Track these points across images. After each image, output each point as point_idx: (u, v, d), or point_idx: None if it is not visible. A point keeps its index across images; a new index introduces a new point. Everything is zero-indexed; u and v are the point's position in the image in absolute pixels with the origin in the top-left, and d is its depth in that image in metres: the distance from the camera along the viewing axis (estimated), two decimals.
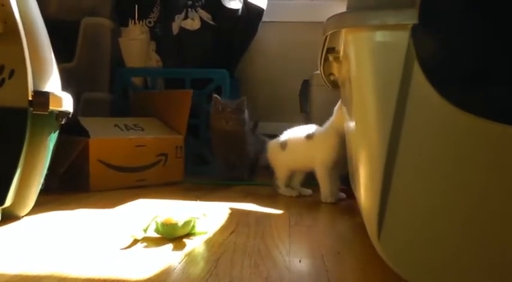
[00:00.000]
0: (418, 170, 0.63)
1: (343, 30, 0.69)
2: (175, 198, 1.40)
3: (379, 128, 0.63)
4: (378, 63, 0.63)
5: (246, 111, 1.78)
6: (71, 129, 1.42)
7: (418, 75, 0.61)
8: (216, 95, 1.77)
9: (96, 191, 1.51)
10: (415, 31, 0.60)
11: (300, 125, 2.27)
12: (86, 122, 1.57)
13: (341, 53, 0.82)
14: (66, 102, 1.09)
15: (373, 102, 0.64)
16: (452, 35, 0.62)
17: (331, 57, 0.86)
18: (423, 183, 0.63)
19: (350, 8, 0.71)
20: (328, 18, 0.70)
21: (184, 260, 0.79)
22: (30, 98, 0.99)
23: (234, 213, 1.21)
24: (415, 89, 0.61)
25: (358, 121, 0.69)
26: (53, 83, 1.07)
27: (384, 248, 0.66)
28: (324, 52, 0.85)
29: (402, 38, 0.61)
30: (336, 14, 0.68)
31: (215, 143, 1.83)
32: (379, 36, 0.62)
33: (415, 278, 0.65)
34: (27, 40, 1.00)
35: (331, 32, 0.70)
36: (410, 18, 0.60)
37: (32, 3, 1.05)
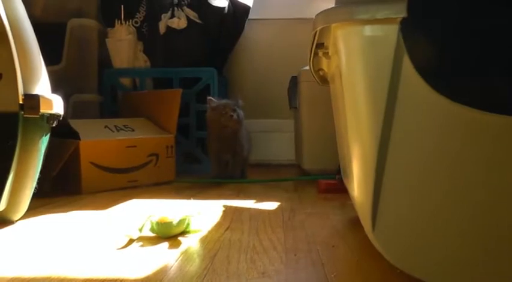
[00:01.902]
0: (410, 162, 0.64)
1: (332, 25, 0.69)
2: (168, 198, 1.41)
3: (370, 122, 0.64)
4: (368, 58, 0.64)
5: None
6: (61, 132, 1.41)
7: (408, 69, 0.61)
8: (210, 97, 1.77)
9: (88, 192, 1.51)
10: (404, 25, 0.61)
11: (290, 121, 2.29)
12: (76, 124, 1.57)
13: (330, 49, 0.83)
14: (57, 105, 1.09)
15: (364, 97, 0.65)
16: (442, 27, 0.62)
17: (320, 53, 0.87)
18: (415, 174, 0.64)
19: (339, 3, 0.72)
20: (318, 14, 0.71)
21: (180, 258, 0.79)
22: (20, 102, 0.99)
23: (227, 210, 1.21)
24: (405, 82, 0.62)
25: (350, 115, 0.69)
26: (42, 86, 1.07)
27: (379, 240, 0.66)
28: (314, 48, 0.85)
29: (391, 31, 0.61)
30: (325, 9, 0.69)
31: (211, 142, 1.83)
32: (368, 30, 0.63)
33: (410, 268, 0.65)
34: (15, 43, 0.99)
35: (320, 27, 0.71)
36: (399, 11, 0.60)
37: (19, 6, 1.05)
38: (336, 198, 1.40)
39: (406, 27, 0.61)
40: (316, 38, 0.79)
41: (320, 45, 0.85)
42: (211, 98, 1.75)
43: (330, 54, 0.85)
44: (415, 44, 0.61)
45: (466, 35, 0.62)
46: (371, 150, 0.64)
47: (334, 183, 1.52)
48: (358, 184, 0.70)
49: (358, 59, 0.65)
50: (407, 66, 0.61)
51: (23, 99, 0.99)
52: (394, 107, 0.62)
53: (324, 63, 0.97)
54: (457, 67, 0.62)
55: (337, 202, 1.35)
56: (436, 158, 0.63)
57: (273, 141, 2.41)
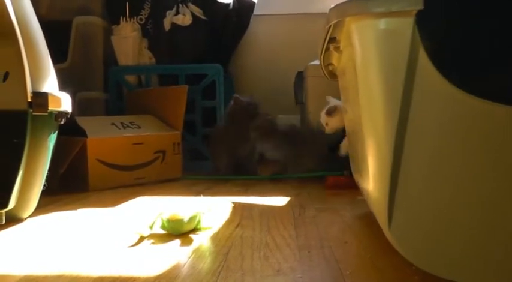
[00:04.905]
0: (427, 156, 0.63)
1: (346, 19, 0.68)
2: (176, 195, 1.40)
3: (386, 116, 0.63)
4: (383, 51, 0.63)
5: None
6: (68, 130, 1.41)
7: (423, 62, 0.60)
8: (236, 95, 1.77)
9: (96, 190, 1.50)
10: (419, 17, 0.60)
11: (296, 116, 2.29)
12: (82, 121, 1.56)
13: (342, 43, 0.82)
14: (65, 102, 1.09)
15: (380, 90, 0.64)
16: (458, 20, 0.61)
17: (331, 47, 0.86)
18: (432, 169, 0.63)
19: None
20: (332, 8, 0.70)
21: (193, 255, 0.79)
22: (29, 100, 0.98)
23: (236, 207, 1.21)
24: (421, 75, 0.61)
25: (365, 110, 0.69)
26: (50, 84, 1.07)
27: (395, 236, 0.66)
28: (326, 42, 0.84)
29: (407, 24, 0.60)
30: (339, 3, 0.68)
31: (224, 140, 1.82)
32: (384, 23, 0.62)
33: (427, 265, 0.64)
34: (23, 41, 0.99)
35: (335, 21, 0.70)
36: (415, 4, 0.59)
37: (27, 4, 1.04)
38: (344, 194, 1.40)
39: (422, 19, 0.60)
40: (330, 32, 0.79)
41: (331, 40, 0.84)
42: (238, 96, 1.76)
43: (341, 48, 0.84)
44: (430, 36, 0.61)
45: (482, 27, 0.61)
46: (387, 145, 0.63)
47: (341, 178, 1.52)
48: (373, 179, 0.69)
49: (373, 53, 0.64)
50: (423, 59, 0.61)
51: (32, 97, 0.99)
52: (410, 100, 0.62)
53: (335, 58, 0.96)
54: (473, 60, 0.61)
55: (346, 198, 1.34)
56: (454, 151, 0.62)
57: None
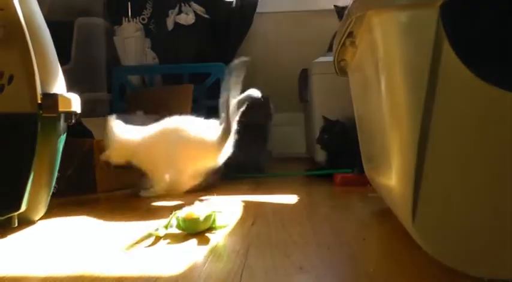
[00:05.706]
0: (452, 149, 0.62)
1: (368, 13, 0.67)
2: (186, 193, 1.39)
3: (410, 110, 0.62)
4: (407, 44, 0.62)
5: None
6: (73, 131, 1.39)
7: (448, 54, 0.60)
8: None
9: (104, 191, 1.49)
10: (444, 9, 0.59)
11: (300, 114, 2.28)
12: (88, 122, 1.55)
13: (358, 37, 0.81)
14: (75, 103, 1.08)
15: (403, 84, 0.63)
16: (482, 11, 0.61)
17: (347, 42, 0.85)
18: (457, 163, 0.62)
19: None
20: (354, 1, 0.69)
21: (212, 254, 0.78)
22: (39, 101, 0.97)
23: (248, 205, 1.20)
24: (446, 68, 0.60)
25: (388, 104, 0.68)
26: (59, 85, 1.06)
27: (419, 232, 0.65)
28: (344, 37, 0.83)
29: (431, 17, 0.60)
30: None
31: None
32: (407, 16, 0.61)
33: (452, 261, 0.64)
34: (31, 42, 0.97)
35: (358, 15, 0.69)
36: None
37: (35, 6, 1.04)
38: (354, 191, 1.39)
39: (446, 11, 0.59)
40: (350, 27, 0.78)
41: (348, 35, 0.83)
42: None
43: (356, 43, 0.83)
44: (455, 28, 0.60)
45: (507, 19, 0.61)
46: (411, 139, 0.62)
47: (350, 176, 1.51)
48: (396, 174, 0.68)
49: (397, 46, 0.63)
50: (448, 52, 0.60)
51: (41, 99, 0.98)
52: (434, 93, 0.61)
53: (349, 53, 0.95)
54: (499, 52, 0.61)
55: (356, 195, 1.34)
56: (479, 145, 0.61)
57: (281, 134, 2.39)
